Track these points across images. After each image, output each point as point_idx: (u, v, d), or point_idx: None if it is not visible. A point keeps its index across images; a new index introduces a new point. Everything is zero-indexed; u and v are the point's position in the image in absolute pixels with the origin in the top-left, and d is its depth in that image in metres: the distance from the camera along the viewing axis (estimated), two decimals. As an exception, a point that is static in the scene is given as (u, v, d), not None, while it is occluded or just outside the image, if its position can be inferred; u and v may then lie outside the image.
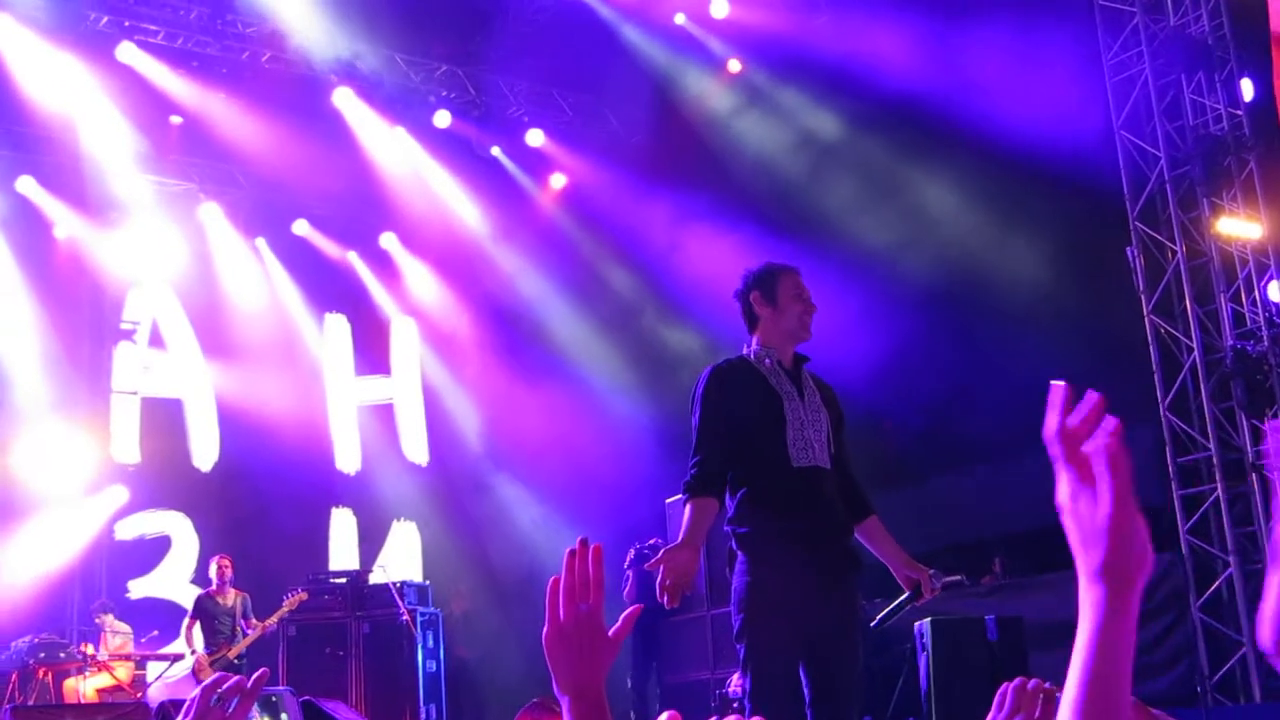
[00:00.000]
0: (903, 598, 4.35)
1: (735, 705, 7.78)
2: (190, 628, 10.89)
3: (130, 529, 13.93)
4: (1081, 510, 1.26)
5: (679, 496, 10.86)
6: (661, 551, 4.15)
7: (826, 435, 4.40)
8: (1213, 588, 9.47)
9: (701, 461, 4.28)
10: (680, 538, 4.18)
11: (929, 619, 8.23)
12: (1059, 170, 9.99)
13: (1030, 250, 10.41)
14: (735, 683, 8.32)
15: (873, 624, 4.48)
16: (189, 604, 11.55)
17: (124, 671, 10.88)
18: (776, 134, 12.88)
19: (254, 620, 10.94)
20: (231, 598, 11.02)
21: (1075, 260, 10.28)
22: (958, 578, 4.52)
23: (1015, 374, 10.73)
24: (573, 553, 1.82)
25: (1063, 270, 10.24)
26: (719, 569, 10.63)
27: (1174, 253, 9.95)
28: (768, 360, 4.44)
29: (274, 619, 10.92)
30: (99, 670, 10.77)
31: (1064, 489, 1.28)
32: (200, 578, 12.53)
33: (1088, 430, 1.25)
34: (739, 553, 4.29)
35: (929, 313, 11.27)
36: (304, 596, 11.07)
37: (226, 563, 11.14)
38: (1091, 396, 1.27)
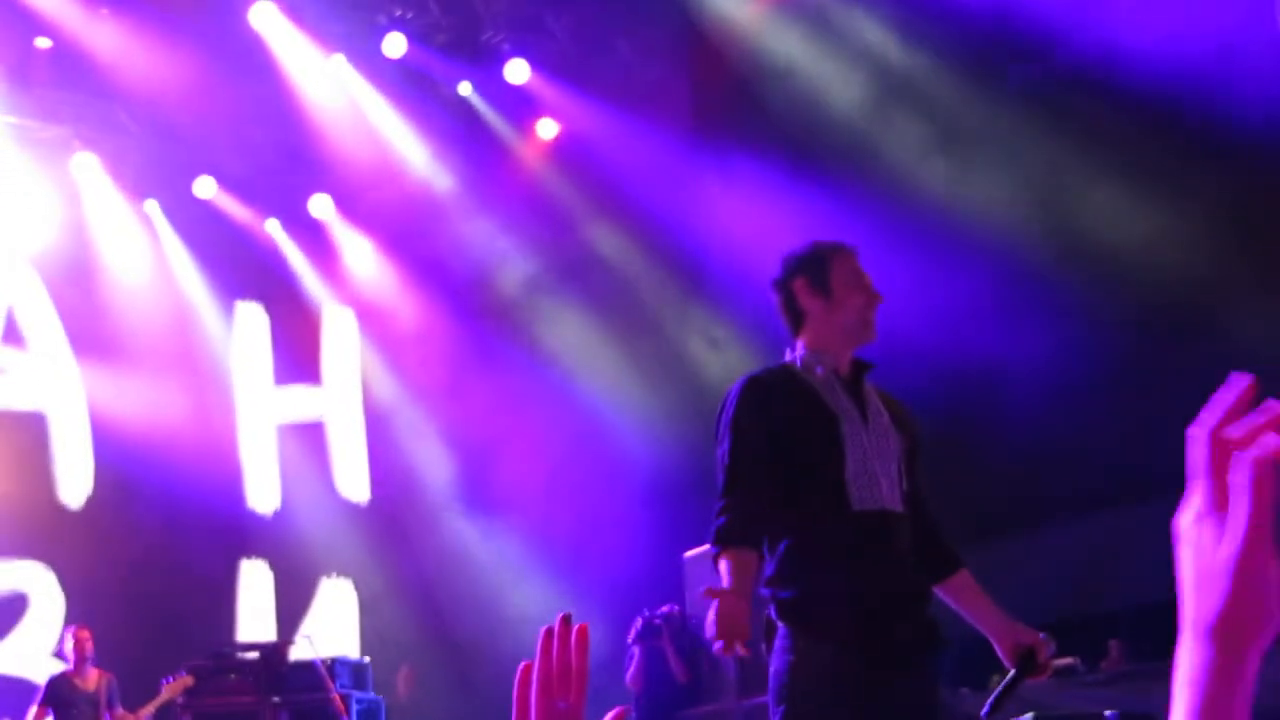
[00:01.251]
0: (1012, 674, 4.35)
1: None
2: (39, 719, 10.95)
3: (-28, 584, 14.00)
4: (1204, 539, 1.27)
5: (705, 549, 10.87)
6: (709, 594, 4.14)
7: (898, 468, 4.40)
8: None
9: (736, 503, 4.27)
10: (724, 586, 4.19)
11: (1031, 715, 8.24)
12: (1221, 121, 9.96)
13: (1191, 229, 10.39)
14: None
15: (984, 714, 4.47)
16: (49, 685, 11.59)
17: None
18: (845, 72, 12.83)
19: (121, 711, 11.00)
20: (93, 680, 11.04)
21: (1255, 244, 10.25)
22: (1070, 661, 4.52)
23: (1151, 392, 10.75)
24: (550, 632, 1.81)
25: (1235, 256, 10.21)
26: (754, 647, 10.63)
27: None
28: (819, 369, 4.44)
29: (150, 709, 11.00)
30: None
31: (1190, 508, 1.29)
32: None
33: (1247, 442, 1.26)
34: (780, 624, 4.30)
35: (1049, 309, 11.26)
36: (189, 682, 11.16)
37: (85, 635, 11.17)
38: (1272, 407, 1.27)
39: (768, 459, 4.30)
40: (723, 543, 4.24)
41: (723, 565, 4.22)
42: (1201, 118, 10.00)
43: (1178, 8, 10.11)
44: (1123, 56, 10.41)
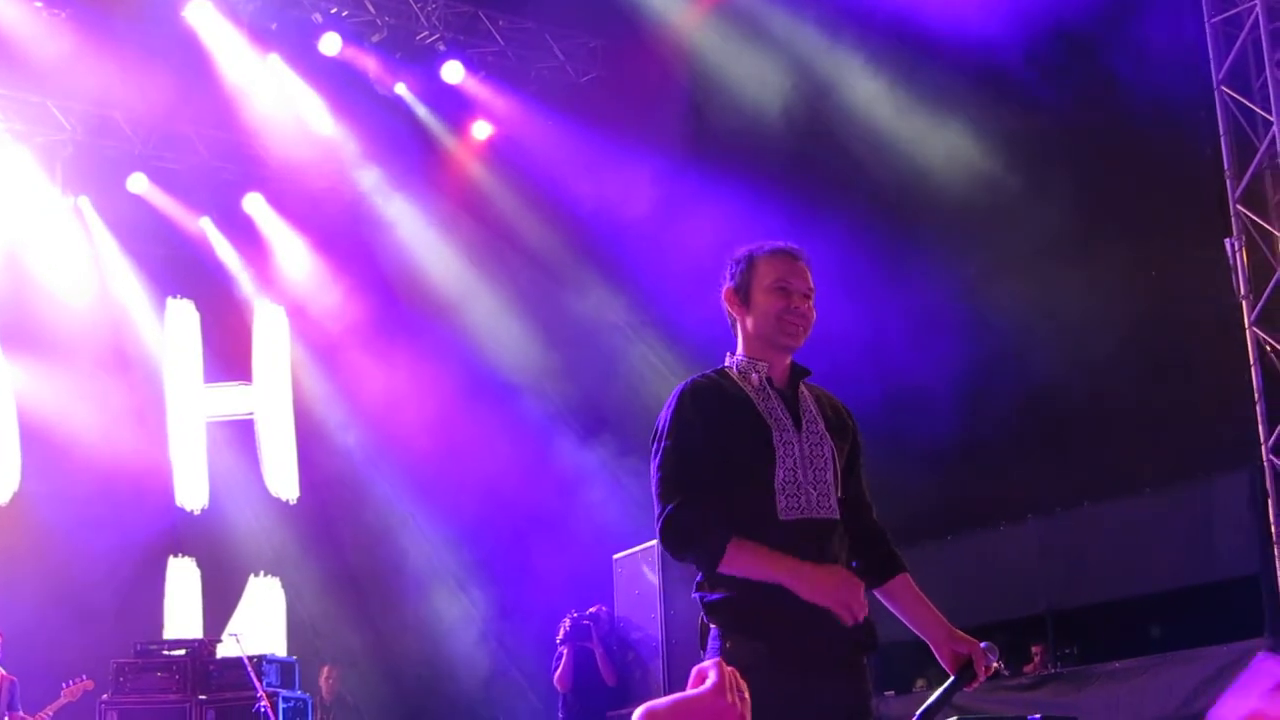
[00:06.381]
0: (949, 682, 4.32)
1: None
2: None
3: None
4: None
5: (649, 546, 10.87)
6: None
7: (832, 477, 4.37)
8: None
9: (687, 500, 4.22)
10: (773, 574, 4.13)
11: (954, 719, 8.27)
12: (1140, 137, 10.06)
13: (1102, 237, 10.48)
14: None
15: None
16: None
17: None
18: (777, 75, 12.85)
19: (22, 714, 10.93)
20: None
21: (1159, 251, 10.36)
22: (994, 665, 4.48)
23: (1072, 403, 10.84)
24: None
25: (1142, 263, 10.32)
26: (682, 650, 10.64)
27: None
28: (754, 375, 4.40)
29: (49, 711, 10.98)
30: None
31: None
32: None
33: None
34: (710, 625, 4.29)
35: (961, 309, 11.34)
36: (89, 685, 11.14)
37: None
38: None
39: (704, 463, 4.28)
40: (715, 560, 4.16)
41: (746, 571, 4.14)
42: (1133, 139, 10.10)
43: (1130, 42, 10.22)
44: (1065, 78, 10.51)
